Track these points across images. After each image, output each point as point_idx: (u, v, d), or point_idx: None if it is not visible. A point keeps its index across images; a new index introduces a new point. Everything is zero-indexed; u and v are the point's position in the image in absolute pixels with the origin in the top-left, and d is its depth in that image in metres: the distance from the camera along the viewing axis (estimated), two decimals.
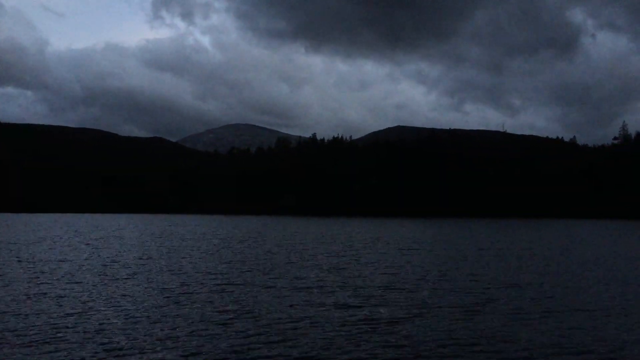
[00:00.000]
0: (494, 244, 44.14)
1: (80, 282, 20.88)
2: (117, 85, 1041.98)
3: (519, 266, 28.15)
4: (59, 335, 12.97)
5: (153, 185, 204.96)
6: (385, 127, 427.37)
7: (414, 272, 25.22)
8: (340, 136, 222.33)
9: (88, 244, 39.92)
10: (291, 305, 16.68)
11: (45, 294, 18.31)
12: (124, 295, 18.14)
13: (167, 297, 18.00)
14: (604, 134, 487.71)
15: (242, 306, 16.53)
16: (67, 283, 20.70)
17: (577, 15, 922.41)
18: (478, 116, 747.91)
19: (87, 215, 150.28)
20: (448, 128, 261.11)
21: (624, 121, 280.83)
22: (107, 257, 30.47)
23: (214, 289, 19.54)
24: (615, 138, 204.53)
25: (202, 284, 20.78)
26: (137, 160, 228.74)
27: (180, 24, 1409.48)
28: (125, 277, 22.60)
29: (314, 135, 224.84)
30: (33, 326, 13.74)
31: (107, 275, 22.88)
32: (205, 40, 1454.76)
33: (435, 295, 18.90)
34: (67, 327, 13.66)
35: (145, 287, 19.87)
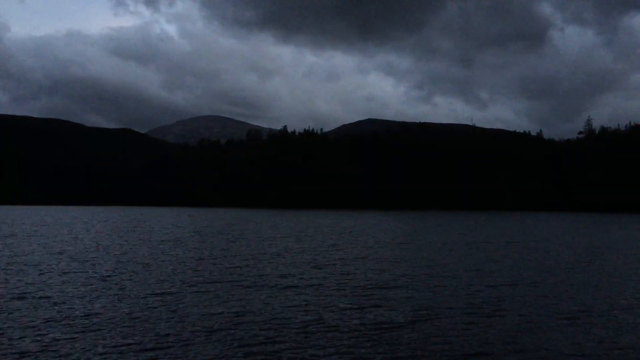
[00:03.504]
0: (477, 238, 43.81)
1: (58, 284, 19.33)
2: (81, 74, 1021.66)
3: (513, 261, 27.58)
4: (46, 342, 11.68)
5: (123, 177, 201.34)
6: (356, 120, 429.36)
7: (407, 268, 24.45)
8: (311, 129, 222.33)
9: (58, 239, 38.03)
10: (280, 308, 15.67)
11: (24, 294, 16.83)
12: (100, 296, 16.77)
13: (154, 298, 16.68)
14: (570, 128, 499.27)
15: (230, 308, 15.39)
16: (45, 283, 19.15)
17: (546, 9, 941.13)
18: (447, 109, 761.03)
19: (53, 208, 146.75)
20: (418, 121, 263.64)
21: (589, 116, 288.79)
22: (80, 254, 28.75)
23: (199, 289, 18.36)
24: (580, 132, 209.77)
25: (185, 283, 19.57)
26: (105, 152, 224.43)
27: (145, 12, 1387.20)
28: (101, 276, 21.12)
29: (285, 127, 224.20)
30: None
31: (82, 274, 21.34)
32: (171, 29, 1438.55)
33: (435, 294, 18.02)
34: (53, 332, 12.36)
35: (127, 287, 18.46)
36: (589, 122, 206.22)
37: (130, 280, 20.32)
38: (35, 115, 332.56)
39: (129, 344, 11.95)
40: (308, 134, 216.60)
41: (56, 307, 15.40)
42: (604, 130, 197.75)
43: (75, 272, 22.26)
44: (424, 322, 14.21)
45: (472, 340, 12.57)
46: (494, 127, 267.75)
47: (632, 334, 13.44)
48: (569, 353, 11.80)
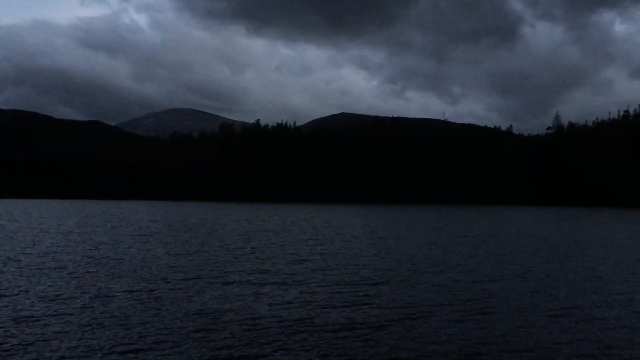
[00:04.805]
0: (454, 232, 43.83)
1: (29, 281, 18.38)
2: (49, 64, 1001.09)
3: (494, 256, 27.56)
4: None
5: (93, 170, 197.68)
6: (329, 114, 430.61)
7: (389, 263, 24.16)
8: (284, 122, 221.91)
9: (27, 235, 36.57)
10: (261, 305, 15.23)
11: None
12: (74, 295, 16.00)
13: (129, 296, 16.05)
14: (539, 123, 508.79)
15: (210, 306, 14.91)
16: (16, 280, 18.21)
17: (517, 5, 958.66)
18: (420, 103, 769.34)
19: (20, 202, 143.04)
20: (391, 116, 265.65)
21: (557, 111, 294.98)
22: (50, 250, 27.63)
23: (176, 287, 17.76)
24: (549, 128, 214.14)
25: (161, 280, 18.92)
26: (74, 145, 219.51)
27: (113, 1, 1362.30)
28: (74, 273, 20.28)
29: (258, 121, 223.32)
30: None
31: (53, 271, 20.42)
32: (141, 20, 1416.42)
33: (419, 291, 17.75)
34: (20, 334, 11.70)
35: (100, 285, 17.71)
36: (557, 117, 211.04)
37: (103, 277, 19.58)
38: (0, 107, 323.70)
39: (106, 345, 11.43)
40: (281, 128, 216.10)
41: (29, 306, 14.72)
42: (572, 125, 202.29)
43: (46, 269, 21.38)
44: (411, 320, 13.95)
45: (461, 340, 12.35)
46: (466, 121, 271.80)
47: (618, 330, 13.41)
48: (560, 352, 11.68)
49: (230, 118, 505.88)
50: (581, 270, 23.11)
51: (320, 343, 11.93)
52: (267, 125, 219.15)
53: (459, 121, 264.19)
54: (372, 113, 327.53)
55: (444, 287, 18.52)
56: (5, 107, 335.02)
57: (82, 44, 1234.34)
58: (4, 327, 12.67)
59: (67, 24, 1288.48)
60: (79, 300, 15.64)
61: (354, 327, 13.17)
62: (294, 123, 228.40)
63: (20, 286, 17.63)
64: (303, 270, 21.87)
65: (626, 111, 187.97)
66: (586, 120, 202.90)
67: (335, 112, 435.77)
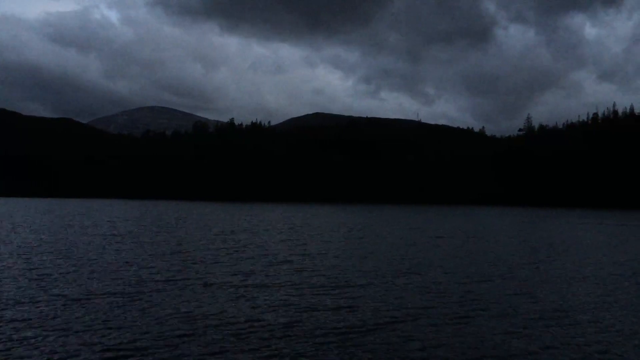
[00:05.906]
0: (431, 232, 43.73)
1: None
2: (17, 59, 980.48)
3: (475, 257, 27.47)
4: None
5: (62, 168, 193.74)
6: (304, 114, 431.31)
7: (371, 265, 23.86)
8: (259, 121, 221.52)
9: None
10: (242, 309, 14.78)
11: None
12: (43, 299, 15.27)
13: (105, 300, 15.36)
14: (511, 125, 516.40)
15: (189, 310, 14.39)
16: None
17: (490, 7, 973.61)
18: (394, 103, 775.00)
19: None
20: (365, 116, 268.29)
21: (529, 113, 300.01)
22: (20, 251, 26.52)
23: (154, 289, 17.16)
24: (520, 129, 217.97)
25: (137, 282, 18.24)
26: (44, 142, 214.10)
27: None
28: (45, 275, 19.36)
29: (232, 120, 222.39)
30: None
31: (21, 272, 19.50)
32: (112, 15, 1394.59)
33: (404, 293, 17.49)
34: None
35: (73, 288, 16.96)
36: (528, 119, 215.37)
37: (76, 280, 18.78)
38: None
39: (83, 350, 10.88)
40: (255, 127, 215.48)
41: (2, 310, 14.10)
42: (542, 127, 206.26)
43: (13, 269, 20.47)
44: (397, 324, 13.66)
45: (447, 344, 12.10)
46: (440, 122, 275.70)
47: (604, 333, 13.35)
48: (547, 354, 11.53)
49: (204, 116, 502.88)
50: (561, 272, 23.17)
51: (305, 348, 11.59)
52: (241, 124, 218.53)
53: (432, 122, 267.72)
54: (347, 113, 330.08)
55: (427, 290, 18.31)
56: None
57: (51, 40, 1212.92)
58: None
59: (37, 19, 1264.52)
60: (54, 304, 14.98)
61: (339, 331, 12.84)
62: (269, 122, 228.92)
63: None
64: (284, 272, 21.46)
65: (595, 113, 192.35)
66: (556, 122, 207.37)
67: (309, 112, 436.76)
